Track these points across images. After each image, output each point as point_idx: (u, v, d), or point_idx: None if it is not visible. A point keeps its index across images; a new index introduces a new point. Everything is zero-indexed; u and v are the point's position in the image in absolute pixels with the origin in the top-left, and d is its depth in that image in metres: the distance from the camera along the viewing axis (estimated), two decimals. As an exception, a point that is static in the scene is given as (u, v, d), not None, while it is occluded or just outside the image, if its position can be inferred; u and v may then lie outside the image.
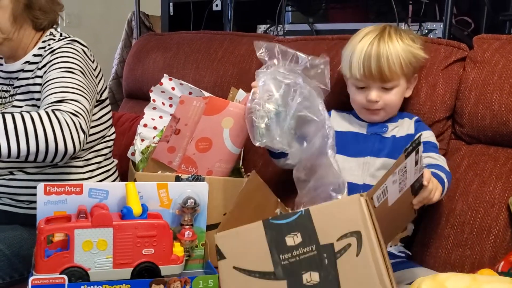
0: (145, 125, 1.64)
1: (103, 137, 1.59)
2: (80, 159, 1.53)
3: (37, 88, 1.44)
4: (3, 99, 1.54)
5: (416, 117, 1.46)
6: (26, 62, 1.50)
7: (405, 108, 1.50)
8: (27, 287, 1.06)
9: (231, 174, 1.51)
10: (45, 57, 1.45)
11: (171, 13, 2.92)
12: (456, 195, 1.38)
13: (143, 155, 1.54)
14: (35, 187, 1.16)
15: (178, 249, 1.18)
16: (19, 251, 1.41)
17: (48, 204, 1.16)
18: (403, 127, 1.43)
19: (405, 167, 1.00)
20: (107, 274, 1.12)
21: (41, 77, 1.43)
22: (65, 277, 1.07)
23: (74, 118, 1.25)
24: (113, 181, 1.64)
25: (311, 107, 1.27)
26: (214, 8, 2.70)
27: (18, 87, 1.49)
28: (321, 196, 1.21)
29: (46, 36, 1.52)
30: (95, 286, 1.10)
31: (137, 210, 1.15)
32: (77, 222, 1.10)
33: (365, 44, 1.38)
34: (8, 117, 1.18)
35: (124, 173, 1.64)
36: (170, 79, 1.62)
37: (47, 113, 1.22)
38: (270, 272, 0.95)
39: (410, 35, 1.43)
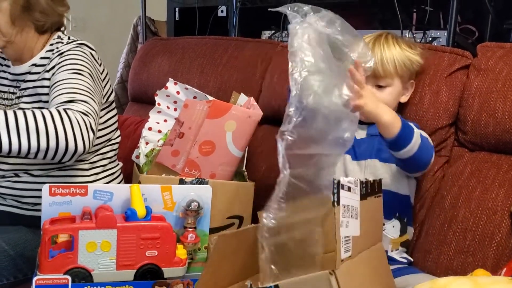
0: (149, 129, 1.65)
1: (109, 140, 1.60)
2: (85, 162, 1.54)
3: (45, 90, 1.45)
4: (10, 101, 1.55)
5: (410, 122, 1.45)
6: (33, 64, 1.50)
7: (408, 115, 1.50)
8: (31, 287, 1.07)
9: (234, 177, 1.51)
10: (53, 59, 1.45)
11: (177, 18, 2.94)
12: (458, 202, 1.39)
13: (147, 158, 1.55)
14: (40, 189, 1.17)
15: (181, 252, 1.19)
16: (23, 252, 1.42)
17: (53, 205, 1.16)
18: None
19: (344, 207, 0.98)
20: (111, 275, 1.12)
21: (48, 79, 1.43)
22: (69, 277, 1.07)
23: (84, 117, 1.26)
24: (118, 184, 1.65)
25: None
26: (220, 14, 2.72)
27: (25, 89, 1.50)
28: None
29: (54, 39, 1.53)
30: (99, 287, 1.11)
31: (141, 212, 1.15)
32: (81, 223, 1.11)
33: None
34: (20, 114, 1.19)
35: (129, 175, 1.65)
36: (175, 83, 1.63)
37: (58, 111, 1.23)
38: None
39: (407, 41, 1.45)
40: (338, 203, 0.92)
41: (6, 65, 1.59)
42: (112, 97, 1.59)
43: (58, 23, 1.56)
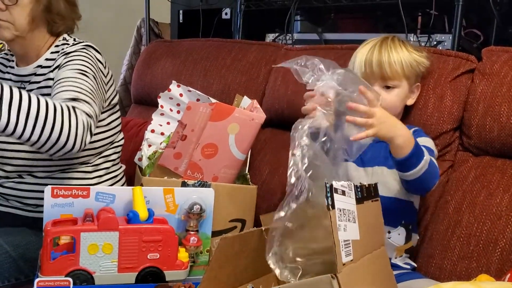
0: (152, 131, 1.65)
1: (112, 142, 1.60)
2: (89, 164, 1.54)
3: (50, 90, 1.45)
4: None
5: (415, 128, 1.44)
6: (38, 66, 1.51)
7: (412, 119, 1.50)
8: (32, 289, 1.06)
9: (237, 180, 1.51)
10: (58, 59, 1.46)
11: (181, 21, 2.93)
12: (462, 206, 1.38)
13: (150, 160, 1.55)
14: (43, 191, 1.17)
15: (183, 255, 1.18)
16: (25, 254, 1.41)
17: (55, 206, 1.16)
18: None
19: (340, 211, 0.98)
20: (112, 278, 1.12)
21: (53, 79, 1.44)
22: (70, 279, 1.07)
23: (88, 119, 1.26)
24: (121, 186, 1.64)
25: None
26: (224, 16, 2.71)
27: (30, 90, 1.50)
28: None
29: (59, 41, 1.54)
30: (100, 290, 1.11)
31: (143, 214, 1.15)
32: (83, 225, 1.11)
33: (368, 48, 1.41)
34: (34, 99, 1.19)
35: (131, 178, 1.65)
36: (179, 86, 1.63)
37: (68, 108, 1.23)
38: None
39: (413, 45, 1.45)
40: (333, 207, 0.92)
41: (10, 67, 1.59)
42: (116, 100, 1.60)
43: (70, 28, 1.58)
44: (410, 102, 1.46)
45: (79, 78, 1.37)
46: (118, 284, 1.12)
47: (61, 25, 1.52)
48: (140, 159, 1.60)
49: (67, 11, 1.52)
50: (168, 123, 1.66)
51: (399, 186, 1.34)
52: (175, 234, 1.16)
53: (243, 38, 2.48)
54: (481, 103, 1.43)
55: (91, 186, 1.19)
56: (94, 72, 1.43)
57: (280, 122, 1.84)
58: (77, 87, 1.34)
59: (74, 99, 1.30)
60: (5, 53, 1.63)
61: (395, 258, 1.37)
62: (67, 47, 1.49)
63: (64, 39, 1.54)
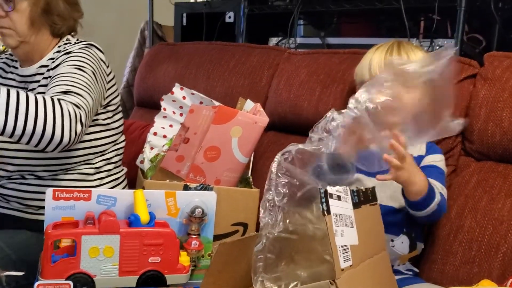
0: (155, 134, 1.65)
1: (114, 143, 1.60)
2: (90, 166, 1.54)
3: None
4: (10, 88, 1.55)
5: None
6: (41, 66, 1.51)
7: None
8: (33, 292, 1.06)
9: (240, 183, 1.51)
10: (59, 57, 1.46)
11: (184, 24, 2.94)
12: (464, 211, 1.38)
13: (152, 163, 1.55)
14: (45, 192, 1.17)
15: (184, 259, 1.18)
16: (26, 256, 1.41)
17: (56, 209, 1.16)
18: (415, 147, 1.41)
19: (336, 216, 0.97)
20: (113, 281, 1.12)
21: (51, 76, 1.44)
22: (71, 283, 1.07)
23: (76, 109, 1.26)
24: (122, 189, 1.64)
25: None
26: (227, 20, 2.72)
27: (32, 90, 1.51)
28: None
29: (62, 41, 1.54)
30: (101, 293, 1.10)
31: (144, 218, 1.15)
32: (84, 228, 1.10)
33: (384, 49, 1.40)
34: (13, 93, 1.18)
35: (133, 180, 1.65)
36: (182, 89, 1.63)
37: (52, 99, 1.22)
38: None
39: (422, 49, 1.44)
40: (329, 212, 0.92)
41: (14, 67, 1.59)
42: (117, 100, 1.59)
43: (73, 28, 1.57)
44: None
45: (74, 73, 1.37)
46: (119, 287, 1.12)
47: (63, 26, 1.52)
48: (142, 162, 1.60)
49: (67, 11, 1.52)
50: (170, 125, 1.66)
51: (399, 195, 1.33)
52: (177, 238, 1.16)
53: (246, 41, 2.48)
54: (483, 108, 1.42)
55: (92, 189, 1.19)
56: (92, 68, 1.43)
57: (283, 125, 1.84)
58: (70, 80, 1.34)
59: (64, 92, 1.29)
60: (10, 54, 1.64)
61: (398, 265, 1.36)
62: (69, 46, 1.50)
63: (67, 39, 1.55)
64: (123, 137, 1.66)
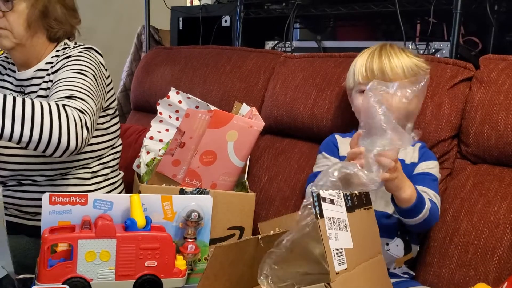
0: (151, 138, 1.65)
1: (111, 147, 1.60)
2: (88, 171, 1.54)
3: (48, 92, 1.45)
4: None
5: (420, 144, 1.44)
6: (38, 69, 1.51)
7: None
8: (29, 296, 1.06)
9: (236, 187, 1.51)
10: (59, 62, 1.46)
11: (181, 28, 2.94)
12: (460, 215, 1.38)
13: (148, 167, 1.55)
14: (41, 199, 1.17)
15: (180, 263, 1.18)
16: (23, 261, 1.41)
17: (52, 214, 1.16)
18: (408, 154, 1.42)
19: (329, 219, 0.97)
20: (109, 285, 1.12)
21: (52, 81, 1.44)
22: (67, 287, 1.07)
23: (81, 115, 1.26)
24: (119, 193, 1.64)
25: None
26: (223, 24, 2.73)
27: (29, 93, 1.51)
28: None
29: (60, 45, 1.54)
30: (97, 297, 1.10)
31: (140, 222, 1.15)
32: (81, 233, 1.11)
33: (367, 54, 1.42)
34: (19, 101, 1.19)
35: (129, 185, 1.65)
36: (178, 93, 1.63)
37: (57, 105, 1.22)
38: None
39: (411, 51, 1.45)
40: (322, 216, 0.92)
41: (10, 69, 1.59)
42: (114, 103, 1.60)
43: (70, 33, 1.57)
44: None
45: (76, 77, 1.37)
46: (116, 291, 1.12)
47: (59, 30, 1.51)
48: (138, 166, 1.60)
49: (64, 16, 1.52)
50: (167, 130, 1.66)
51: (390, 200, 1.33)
52: (173, 242, 1.16)
53: (243, 45, 2.49)
54: (479, 111, 1.43)
55: (89, 193, 1.19)
56: (93, 72, 1.43)
57: (279, 129, 1.84)
58: (73, 85, 1.34)
59: (67, 97, 1.29)
60: (5, 56, 1.63)
61: (394, 269, 1.36)
62: (68, 50, 1.49)
63: (66, 43, 1.55)
64: (120, 141, 1.66)
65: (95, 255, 1.10)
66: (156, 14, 2.99)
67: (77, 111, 1.26)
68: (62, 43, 1.55)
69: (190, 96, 1.61)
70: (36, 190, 1.49)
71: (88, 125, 1.27)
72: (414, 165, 1.39)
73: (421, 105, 1.43)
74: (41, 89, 1.49)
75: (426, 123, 1.49)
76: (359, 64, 1.41)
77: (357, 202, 1.04)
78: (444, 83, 1.50)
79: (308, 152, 1.72)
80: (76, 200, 1.17)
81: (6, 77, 1.59)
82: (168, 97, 1.63)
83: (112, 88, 1.57)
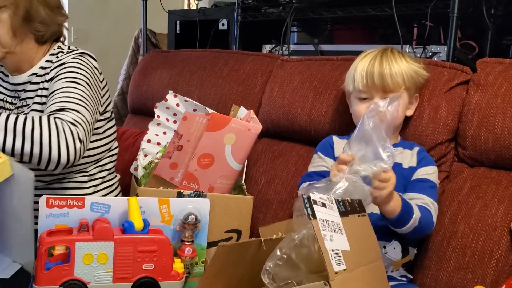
0: (148, 141, 1.65)
1: (108, 150, 1.60)
2: (85, 174, 1.53)
3: (44, 100, 1.45)
4: (9, 111, 1.54)
5: (418, 148, 1.44)
6: (33, 74, 1.50)
7: (407, 130, 1.50)
8: (26, 299, 1.06)
9: (233, 190, 1.51)
10: (53, 69, 1.46)
11: (178, 31, 2.95)
12: (458, 217, 1.38)
13: (145, 170, 1.55)
14: (38, 203, 1.16)
15: (178, 265, 1.18)
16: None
17: (50, 216, 1.16)
18: (405, 158, 1.42)
19: (323, 221, 0.98)
20: (107, 288, 1.12)
21: (47, 89, 1.44)
22: (65, 290, 1.07)
23: (72, 127, 1.26)
24: (116, 196, 1.64)
25: None
26: (221, 27, 2.73)
27: (25, 99, 1.50)
28: None
29: (54, 49, 1.53)
30: (94, 300, 1.10)
31: (138, 225, 1.15)
32: (78, 235, 1.10)
33: (368, 59, 1.42)
34: (12, 117, 1.21)
35: (127, 188, 1.65)
36: (175, 96, 1.63)
37: (48, 119, 1.24)
38: None
39: (411, 56, 1.45)
40: (315, 217, 0.93)
41: (3, 73, 1.58)
42: (110, 107, 1.59)
43: (58, 33, 1.55)
44: (409, 113, 1.47)
45: (69, 87, 1.37)
46: (113, 294, 1.12)
47: (46, 32, 1.49)
48: (136, 169, 1.60)
49: (49, 17, 1.49)
50: (164, 133, 1.66)
51: None
52: (170, 245, 1.16)
53: (240, 48, 2.49)
54: (476, 114, 1.43)
55: (86, 196, 1.19)
56: (87, 78, 1.42)
57: (277, 132, 1.84)
58: (66, 96, 1.34)
59: (60, 110, 1.30)
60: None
61: (391, 271, 1.36)
62: (62, 56, 1.48)
63: (59, 47, 1.53)
64: (116, 144, 1.66)
65: (93, 257, 1.10)
66: (153, 17, 2.99)
67: (68, 123, 1.26)
68: (55, 47, 1.53)
69: (187, 99, 1.61)
70: (34, 193, 1.48)
71: (81, 136, 1.27)
72: (412, 169, 1.39)
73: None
74: (37, 96, 1.48)
75: (423, 126, 1.49)
76: (360, 69, 1.41)
77: (350, 208, 1.05)
78: (441, 86, 1.50)
79: (305, 155, 1.72)
80: (73, 203, 1.17)
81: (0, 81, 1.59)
82: (166, 100, 1.63)
83: (107, 91, 1.57)
